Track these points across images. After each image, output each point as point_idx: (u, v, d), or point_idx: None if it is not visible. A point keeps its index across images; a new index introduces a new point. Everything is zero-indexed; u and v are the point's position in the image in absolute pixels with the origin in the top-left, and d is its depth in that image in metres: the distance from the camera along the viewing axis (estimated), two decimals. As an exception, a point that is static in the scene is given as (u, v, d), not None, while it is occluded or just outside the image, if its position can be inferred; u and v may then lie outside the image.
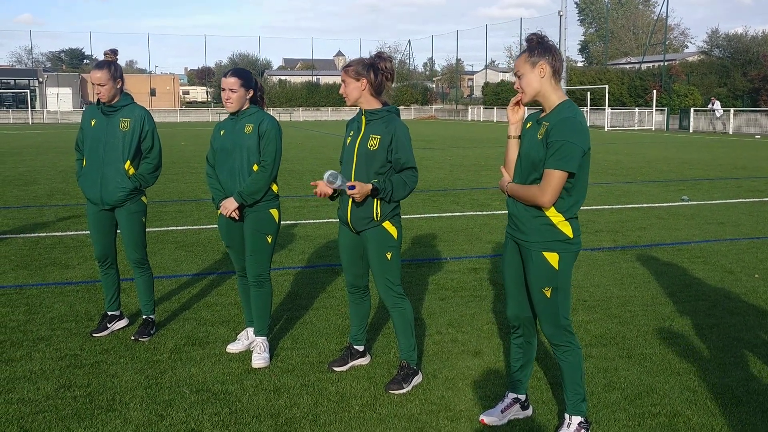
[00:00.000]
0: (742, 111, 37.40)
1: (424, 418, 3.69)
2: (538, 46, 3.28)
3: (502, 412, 3.66)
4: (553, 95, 3.31)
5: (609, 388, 4.04)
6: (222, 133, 4.58)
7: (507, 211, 3.51)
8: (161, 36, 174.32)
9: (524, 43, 3.35)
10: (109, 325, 5.08)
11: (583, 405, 3.46)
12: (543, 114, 3.36)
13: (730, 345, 4.72)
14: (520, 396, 3.71)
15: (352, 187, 3.84)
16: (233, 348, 4.69)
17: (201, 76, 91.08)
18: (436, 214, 10.13)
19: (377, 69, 4.00)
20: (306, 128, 41.97)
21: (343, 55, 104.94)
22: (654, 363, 4.42)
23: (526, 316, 3.57)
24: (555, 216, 3.28)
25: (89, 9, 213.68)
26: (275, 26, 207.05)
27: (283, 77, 74.67)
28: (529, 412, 3.74)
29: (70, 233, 8.82)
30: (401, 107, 65.89)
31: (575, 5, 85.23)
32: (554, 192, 3.18)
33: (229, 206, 4.41)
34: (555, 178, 3.17)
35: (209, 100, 79.77)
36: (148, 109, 5.29)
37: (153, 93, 66.21)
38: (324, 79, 72.70)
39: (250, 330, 4.76)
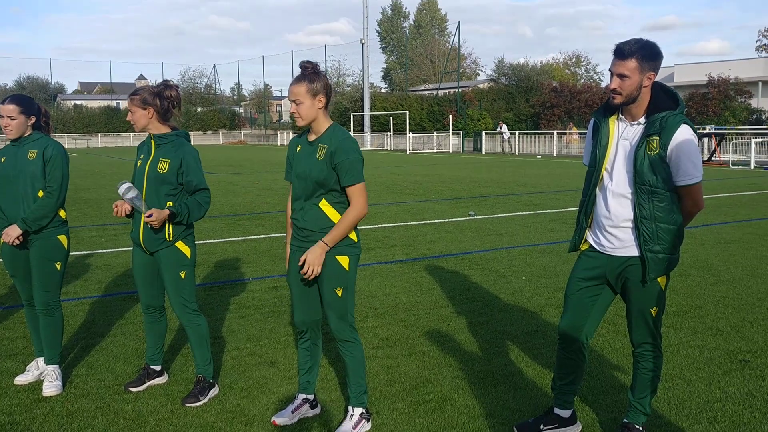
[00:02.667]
0: (527, 133, 41.16)
1: (219, 425, 3.89)
2: (316, 77, 3.65)
3: (292, 412, 3.96)
4: (326, 120, 3.73)
5: (390, 383, 4.48)
6: (3, 160, 4.50)
7: (293, 227, 3.84)
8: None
9: (299, 69, 3.70)
10: None
11: (365, 397, 3.85)
12: (314, 137, 3.74)
13: (496, 337, 5.39)
14: (309, 396, 4.04)
15: (150, 215, 3.99)
16: (22, 379, 4.58)
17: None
18: (241, 238, 10.26)
19: (163, 97, 4.18)
20: (105, 154, 39.99)
21: (145, 79, 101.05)
22: (431, 358, 4.95)
23: (313, 320, 3.91)
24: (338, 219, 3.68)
25: None
26: (70, 47, 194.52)
27: (78, 102, 70.58)
28: (318, 410, 4.07)
29: None
30: (209, 132, 64.84)
31: (377, 33, 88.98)
32: (365, 200, 3.67)
33: (12, 233, 4.34)
34: (360, 189, 3.64)
35: (-6, 126, 73.15)
36: None
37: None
38: (124, 104, 69.60)
39: (41, 360, 4.67)
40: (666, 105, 3.36)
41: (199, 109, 67.79)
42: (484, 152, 40.15)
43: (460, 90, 49.03)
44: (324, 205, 3.69)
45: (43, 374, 4.56)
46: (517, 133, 39.71)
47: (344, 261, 3.72)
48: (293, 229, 3.86)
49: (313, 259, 3.63)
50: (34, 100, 4.61)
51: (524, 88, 47.12)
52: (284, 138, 58.19)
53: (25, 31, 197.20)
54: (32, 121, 4.48)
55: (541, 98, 44.44)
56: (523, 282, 7.21)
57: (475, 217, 12.25)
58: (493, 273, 7.64)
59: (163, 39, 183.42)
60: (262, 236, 10.41)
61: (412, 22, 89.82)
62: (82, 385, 4.52)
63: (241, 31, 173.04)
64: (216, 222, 11.71)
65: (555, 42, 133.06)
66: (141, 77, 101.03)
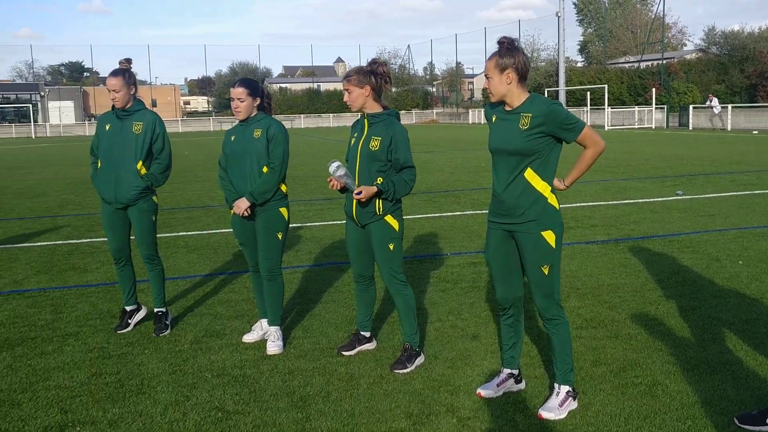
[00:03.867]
0: (740, 107, 37.74)
1: (426, 393, 4.05)
2: (507, 53, 3.64)
3: (497, 385, 4.01)
4: (522, 93, 3.69)
5: (596, 364, 4.39)
6: (233, 138, 4.95)
7: (491, 207, 3.86)
8: (161, 47, 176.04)
9: (496, 45, 3.71)
10: (130, 321, 5.43)
11: (571, 375, 3.81)
12: (509, 108, 3.72)
13: (710, 324, 5.07)
14: (513, 371, 4.07)
15: (359, 192, 4.21)
16: (249, 338, 5.06)
17: (201, 86, 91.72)
18: (437, 214, 10.49)
19: (376, 74, 4.37)
20: (308, 135, 42.40)
21: (343, 62, 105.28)
22: (639, 341, 4.77)
23: (515, 296, 3.92)
24: (545, 189, 3.67)
25: (89, 22, 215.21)
26: (275, 34, 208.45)
27: (283, 85, 75.25)
28: (522, 385, 4.09)
29: (85, 240, 9.20)
30: (402, 112, 66.42)
31: (573, 5, 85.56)
32: (597, 136, 3.73)
33: (242, 205, 4.78)
34: (587, 132, 3.68)
35: (210, 109, 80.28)
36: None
37: (154, 104, 66.86)
38: (324, 86, 73.19)
39: (264, 321, 5.12)
40: None
41: (393, 90, 69.55)
42: (690, 128, 37.41)
43: (664, 62, 45.96)
44: (530, 176, 3.67)
45: (266, 334, 5.00)
46: (729, 106, 36.50)
47: (550, 237, 3.69)
48: (493, 205, 3.87)
49: (562, 186, 3.86)
50: (258, 83, 5.02)
51: (738, 57, 43.15)
52: (476, 116, 58.09)
53: (237, 20, 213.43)
54: (257, 103, 4.89)
55: (759, 68, 40.45)
56: (739, 267, 6.69)
57: (683, 196, 11.51)
58: (705, 256, 7.16)
59: (358, 22, 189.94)
60: (458, 213, 10.55)
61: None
62: (300, 347, 4.90)
63: (433, 11, 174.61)
64: (413, 199, 12.04)
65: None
66: (339, 60, 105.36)
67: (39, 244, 9.03)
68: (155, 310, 5.41)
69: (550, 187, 3.71)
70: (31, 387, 4.28)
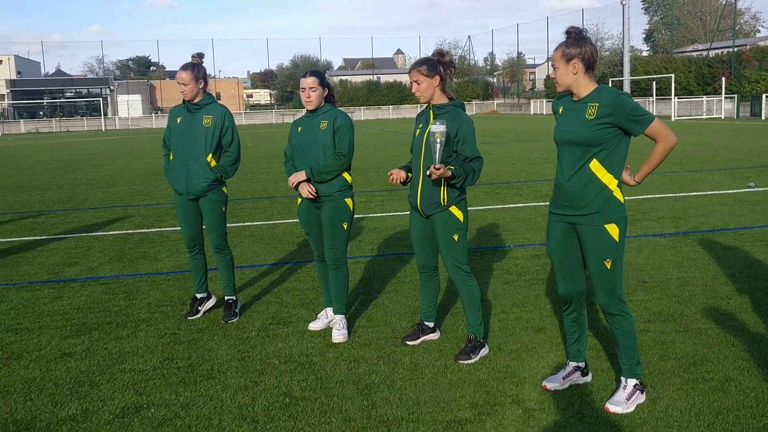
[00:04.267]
0: (817, 96, 36.18)
1: (491, 384, 4.05)
2: (574, 43, 3.60)
3: (563, 378, 3.98)
4: (590, 84, 3.64)
5: (665, 358, 4.31)
6: (299, 129, 5.03)
7: (553, 199, 3.82)
8: (225, 41, 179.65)
9: (563, 35, 3.66)
10: (200, 308, 5.59)
11: (638, 368, 3.75)
12: (576, 98, 3.67)
13: (787, 320, 4.91)
14: (580, 364, 4.03)
15: (438, 168, 4.16)
16: (314, 326, 5.14)
17: (264, 79, 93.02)
18: (499, 206, 10.42)
19: (443, 63, 4.37)
20: (368, 127, 42.55)
21: (403, 53, 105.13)
22: (709, 336, 4.66)
23: (577, 291, 3.88)
24: (610, 182, 3.60)
25: (155, 17, 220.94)
26: (335, 26, 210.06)
27: (344, 77, 75.68)
28: (589, 378, 4.05)
29: (155, 230, 9.49)
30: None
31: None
32: (668, 129, 3.59)
33: (298, 177, 4.86)
34: (656, 125, 3.56)
35: (272, 102, 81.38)
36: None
37: (218, 97, 68.18)
38: (384, 78, 73.27)
39: (329, 310, 5.19)
40: None
41: (454, 81, 69.18)
42: (763, 117, 36.05)
43: (735, 49, 44.37)
44: (596, 167, 3.61)
45: (331, 323, 5.08)
46: (805, 95, 35.04)
47: (613, 230, 3.62)
48: (555, 196, 3.82)
49: (632, 182, 3.73)
50: (325, 74, 5.08)
51: (816, 43, 41.34)
52: (537, 107, 57.31)
53: (298, 13, 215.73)
54: (326, 93, 4.95)
55: (838, 54, 38.70)
56: (817, 261, 6.44)
57: (756, 189, 11.12)
58: (779, 250, 6.92)
59: (418, 13, 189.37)
60: (520, 205, 10.45)
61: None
62: (364, 335, 4.96)
63: (494, 1, 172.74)
64: (475, 190, 11.98)
65: None
66: (398, 51, 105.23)
67: (111, 233, 9.36)
68: (225, 297, 5.55)
69: (616, 181, 3.64)
70: (108, 369, 4.46)
